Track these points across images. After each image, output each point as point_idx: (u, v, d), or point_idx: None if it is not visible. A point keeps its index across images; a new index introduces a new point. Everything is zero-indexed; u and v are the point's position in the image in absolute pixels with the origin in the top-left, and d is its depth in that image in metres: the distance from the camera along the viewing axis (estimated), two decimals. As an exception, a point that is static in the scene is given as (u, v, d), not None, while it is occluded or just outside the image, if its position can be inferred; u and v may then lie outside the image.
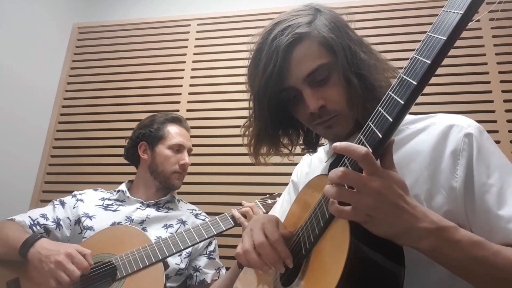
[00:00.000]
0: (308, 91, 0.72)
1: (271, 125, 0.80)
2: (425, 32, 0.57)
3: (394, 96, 0.56)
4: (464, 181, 0.65)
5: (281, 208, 0.98)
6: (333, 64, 0.73)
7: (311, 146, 0.91)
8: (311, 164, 0.95)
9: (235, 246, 0.73)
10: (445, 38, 0.53)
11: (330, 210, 0.56)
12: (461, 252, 0.55)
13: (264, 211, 1.39)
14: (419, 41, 0.58)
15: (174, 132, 1.52)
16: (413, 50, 0.57)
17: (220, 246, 1.57)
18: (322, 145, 0.95)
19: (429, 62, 0.53)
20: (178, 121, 1.57)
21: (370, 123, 0.59)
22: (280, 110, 0.79)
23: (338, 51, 0.72)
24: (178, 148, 1.51)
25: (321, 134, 0.84)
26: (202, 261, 1.43)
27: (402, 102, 0.54)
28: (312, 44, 0.72)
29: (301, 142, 0.92)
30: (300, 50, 0.72)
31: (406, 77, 0.56)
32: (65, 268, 1.09)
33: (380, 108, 0.59)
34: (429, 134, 0.71)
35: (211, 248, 1.47)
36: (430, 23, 0.58)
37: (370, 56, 0.75)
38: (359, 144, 0.59)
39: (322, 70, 0.72)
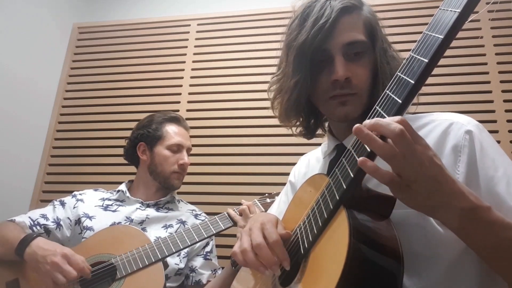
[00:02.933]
0: (341, 58, 0.74)
1: (310, 79, 0.78)
2: (425, 33, 0.57)
3: (392, 95, 0.56)
4: (466, 177, 0.65)
5: (278, 209, 0.98)
6: (368, 47, 0.76)
7: (309, 132, 0.91)
8: (309, 164, 0.95)
9: (233, 246, 0.73)
10: (442, 37, 0.53)
11: (367, 171, 0.52)
12: (492, 234, 0.54)
13: (263, 209, 1.38)
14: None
15: (172, 132, 1.51)
16: (413, 50, 0.57)
17: (218, 246, 1.56)
18: (317, 144, 0.95)
19: (426, 60, 0.53)
20: (176, 120, 1.55)
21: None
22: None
23: (377, 37, 0.77)
24: (177, 148, 1.49)
25: (330, 111, 0.79)
26: (198, 262, 1.42)
27: (400, 101, 0.54)
28: (359, 19, 0.77)
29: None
30: (348, 19, 0.75)
31: (403, 76, 0.56)
32: (61, 269, 1.09)
33: (377, 107, 0.58)
34: (429, 132, 0.72)
35: (208, 249, 1.46)
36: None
37: (397, 55, 0.81)
38: (355, 142, 0.59)
39: (359, 46, 0.75)
